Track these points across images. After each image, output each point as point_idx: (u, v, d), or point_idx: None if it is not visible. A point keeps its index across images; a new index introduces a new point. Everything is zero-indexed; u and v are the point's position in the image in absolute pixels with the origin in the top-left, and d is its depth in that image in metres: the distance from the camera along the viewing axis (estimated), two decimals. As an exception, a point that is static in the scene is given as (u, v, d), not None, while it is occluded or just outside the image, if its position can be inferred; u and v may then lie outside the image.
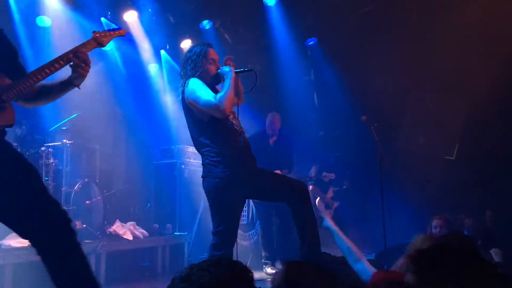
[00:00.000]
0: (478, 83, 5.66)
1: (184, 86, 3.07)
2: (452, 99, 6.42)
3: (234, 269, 1.30)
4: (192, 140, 3.17)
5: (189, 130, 3.16)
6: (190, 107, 3.04)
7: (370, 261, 2.58)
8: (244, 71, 3.21)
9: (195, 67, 3.10)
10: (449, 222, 4.22)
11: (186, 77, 3.10)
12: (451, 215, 4.73)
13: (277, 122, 5.52)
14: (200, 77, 3.07)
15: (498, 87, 5.54)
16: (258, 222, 5.92)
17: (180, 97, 3.12)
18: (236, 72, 3.12)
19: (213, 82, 3.14)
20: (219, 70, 3.14)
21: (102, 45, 2.41)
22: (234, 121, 3.14)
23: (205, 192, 3.07)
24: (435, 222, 4.18)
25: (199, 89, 2.97)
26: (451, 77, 6.04)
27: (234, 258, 3.06)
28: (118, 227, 5.12)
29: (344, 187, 6.64)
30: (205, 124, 3.03)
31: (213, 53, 3.18)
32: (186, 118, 3.15)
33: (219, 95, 2.93)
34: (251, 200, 5.81)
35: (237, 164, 3.00)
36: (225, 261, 1.32)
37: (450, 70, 5.92)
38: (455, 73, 5.93)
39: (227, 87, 2.98)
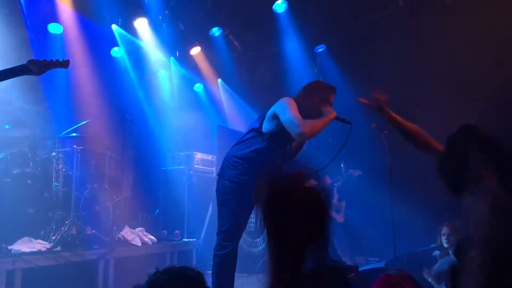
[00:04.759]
0: (490, 89, 5.59)
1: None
2: (463, 105, 6.35)
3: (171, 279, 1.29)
4: None
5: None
6: (264, 118, 3.07)
7: (380, 269, 2.55)
8: (343, 120, 3.21)
9: (307, 96, 3.12)
10: (458, 229, 4.17)
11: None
12: (462, 223, 4.65)
13: None
14: (303, 105, 3.05)
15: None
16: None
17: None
18: (336, 117, 3.11)
19: (310, 117, 3.04)
20: (324, 109, 3.11)
21: None
22: (278, 152, 3.13)
23: (216, 192, 3.12)
24: (444, 230, 4.14)
25: (291, 106, 2.97)
26: (463, 83, 5.98)
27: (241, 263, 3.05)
28: (127, 233, 5.12)
29: (337, 184, 6.51)
30: (259, 139, 3.06)
31: (331, 96, 3.18)
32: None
33: (308, 120, 2.93)
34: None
35: (251, 171, 3.03)
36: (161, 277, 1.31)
37: (462, 77, 5.86)
38: (467, 80, 5.87)
39: (321, 120, 2.99)
